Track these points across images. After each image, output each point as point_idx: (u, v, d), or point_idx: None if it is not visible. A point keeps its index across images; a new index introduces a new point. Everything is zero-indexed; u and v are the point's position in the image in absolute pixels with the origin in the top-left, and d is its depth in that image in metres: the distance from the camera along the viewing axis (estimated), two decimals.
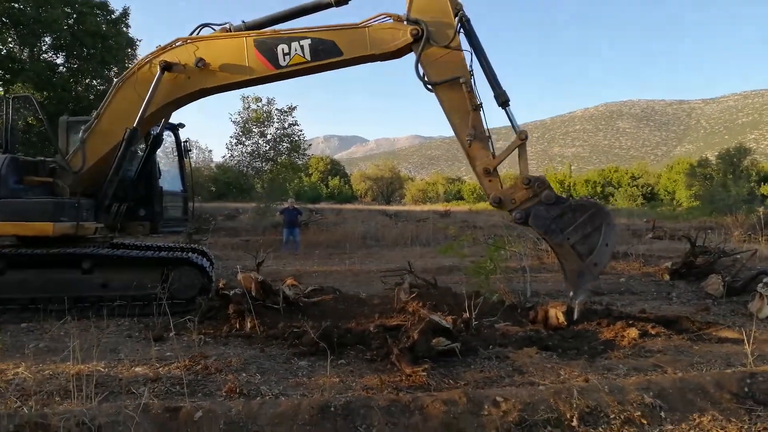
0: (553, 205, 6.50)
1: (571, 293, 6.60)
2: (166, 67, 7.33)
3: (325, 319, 6.89)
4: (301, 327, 6.24)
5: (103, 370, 5.06)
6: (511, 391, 4.16)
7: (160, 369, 5.12)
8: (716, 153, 52.55)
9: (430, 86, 6.80)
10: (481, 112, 6.75)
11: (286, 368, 5.30)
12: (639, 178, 65.71)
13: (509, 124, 7.03)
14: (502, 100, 6.87)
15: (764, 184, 50.31)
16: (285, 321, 6.78)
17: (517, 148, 6.73)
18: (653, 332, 6.31)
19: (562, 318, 6.62)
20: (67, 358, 5.02)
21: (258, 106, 27.53)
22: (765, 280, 8.15)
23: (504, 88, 6.88)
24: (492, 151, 6.80)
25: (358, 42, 7.02)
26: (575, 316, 6.57)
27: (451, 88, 6.73)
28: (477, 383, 4.79)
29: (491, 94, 6.91)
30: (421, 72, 6.79)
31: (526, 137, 6.67)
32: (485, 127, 6.76)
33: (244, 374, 5.03)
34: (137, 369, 5.16)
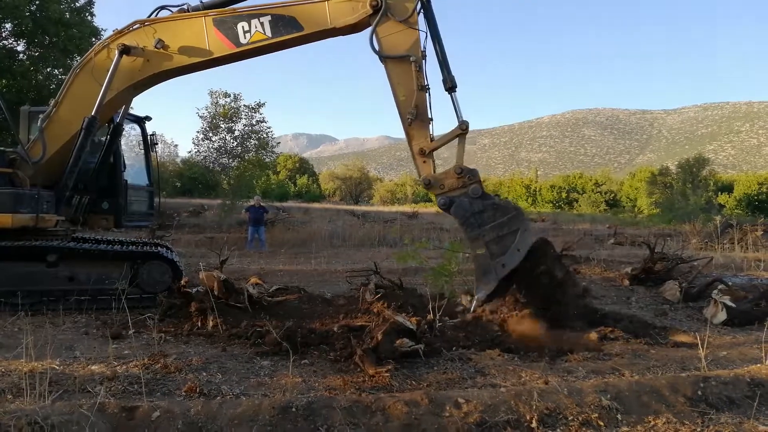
0: (478, 199, 6.56)
1: (475, 288, 6.71)
2: (125, 50, 7.21)
3: (289, 318, 6.84)
4: (264, 326, 6.16)
5: (57, 367, 4.91)
6: (473, 393, 4.19)
7: (118, 367, 4.99)
8: (676, 162, 53.92)
9: (382, 59, 6.84)
10: (427, 95, 6.81)
11: (248, 368, 5.23)
12: (602, 184, 66.96)
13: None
14: (449, 86, 6.94)
15: (721, 194, 51.88)
16: (248, 320, 6.69)
17: (456, 138, 6.79)
18: (612, 336, 6.44)
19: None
20: (20, 355, 4.86)
21: (226, 101, 27.12)
22: (720, 286, 8.41)
23: (453, 75, 6.92)
24: (431, 134, 6.86)
25: (318, 16, 7.00)
26: (471, 309, 6.73)
27: (400, 63, 6.76)
28: (439, 384, 4.81)
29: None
30: (376, 45, 6.80)
31: (467, 127, 6.74)
32: (429, 109, 6.82)
33: (204, 374, 4.95)
34: (93, 367, 5.02)
